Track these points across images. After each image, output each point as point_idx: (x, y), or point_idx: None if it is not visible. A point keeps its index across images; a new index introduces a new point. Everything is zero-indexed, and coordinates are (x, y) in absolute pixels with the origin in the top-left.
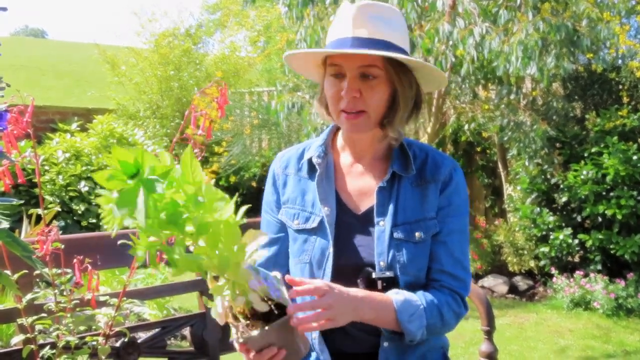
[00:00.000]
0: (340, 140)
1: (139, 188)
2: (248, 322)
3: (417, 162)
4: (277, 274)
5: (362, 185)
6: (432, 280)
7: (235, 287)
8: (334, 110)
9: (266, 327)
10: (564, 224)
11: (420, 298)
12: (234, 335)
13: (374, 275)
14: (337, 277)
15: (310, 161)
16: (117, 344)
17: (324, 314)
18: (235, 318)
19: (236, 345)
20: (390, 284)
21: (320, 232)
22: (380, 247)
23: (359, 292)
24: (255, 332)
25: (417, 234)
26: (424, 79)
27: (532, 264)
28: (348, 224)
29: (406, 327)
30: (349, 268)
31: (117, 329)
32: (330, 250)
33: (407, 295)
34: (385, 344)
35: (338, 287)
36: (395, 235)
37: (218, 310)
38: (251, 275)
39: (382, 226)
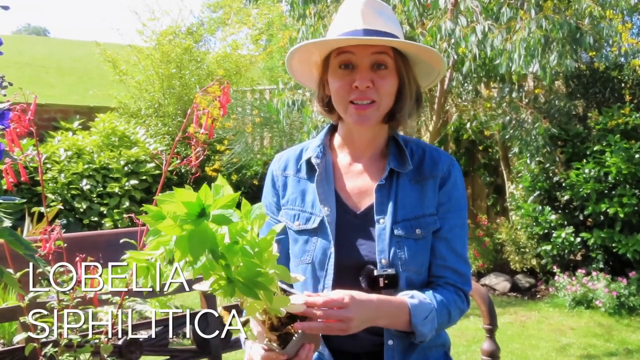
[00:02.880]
0: (337, 140)
1: (206, 228)
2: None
3: (415, 159)
4: (298, 276)
5: (361, 184)
6: (436, 277)
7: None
8: (340, 103)
9: (298, 332)
10: (566, 222)
11: (431, 299)
12: (257, 350)
13: (375, 273)
14: (339, 276)
15: (309, 162)
16: (120, 342)
17: (338, 325)
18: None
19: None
20: (392, 281)
21: (321, 233)
22: (381, 245)
23: (375, 300)
24: (293, 339)
25: (417, 230)
26: (421, 74)
27: (534, 262)
28: (348, 223)
29: (419, 330)
30: (351, 267)
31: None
32: (332, 250)
33: (420, 298)
34: (390, 342)
35: (358, 297)
36: (396, 232)
37: (254, 332)
38: (288, 299)
39: (383, 224)
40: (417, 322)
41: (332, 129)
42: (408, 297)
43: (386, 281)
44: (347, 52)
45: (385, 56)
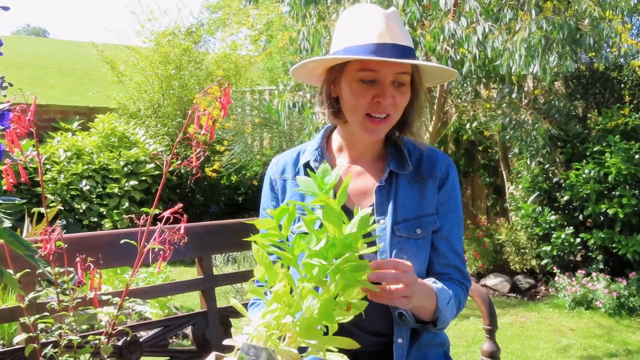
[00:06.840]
0: (335, 142)
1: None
2: None
3: (413, 159)
4: None
5: (360, 185)
6: (440, 274)
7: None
8: (356, 113)
9: None
10: (565, 223)
11: (447, 287)
12: None
13: None
14: None
15: (307, 165)
16: (120, 343)
17: (405, 290)
18: None
19: None
20: None
21: None
22: (382, 246)
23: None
24: None
25: (417, 230)
26: (428, 78)
27: (534, 262)
28: None
29: (443, 314)
30: None
31: (120, 327)
32: None
33: (441, 284)
34: (400, 340)
35: None
36: (397, 232)
37: None
38: None
39: (383, 224)
40: (442, 305)
41: (329, 132)
42: (431, 282)
43: None
44: (372, 68)
45: (407, 75)
